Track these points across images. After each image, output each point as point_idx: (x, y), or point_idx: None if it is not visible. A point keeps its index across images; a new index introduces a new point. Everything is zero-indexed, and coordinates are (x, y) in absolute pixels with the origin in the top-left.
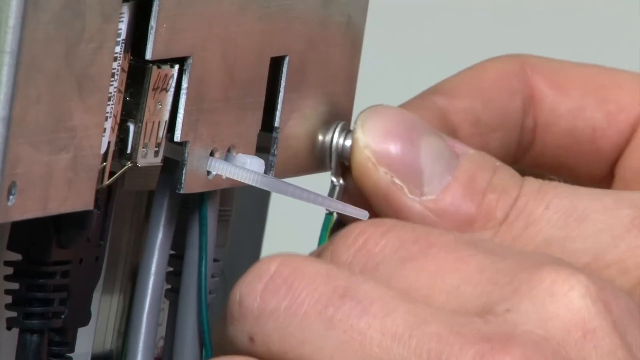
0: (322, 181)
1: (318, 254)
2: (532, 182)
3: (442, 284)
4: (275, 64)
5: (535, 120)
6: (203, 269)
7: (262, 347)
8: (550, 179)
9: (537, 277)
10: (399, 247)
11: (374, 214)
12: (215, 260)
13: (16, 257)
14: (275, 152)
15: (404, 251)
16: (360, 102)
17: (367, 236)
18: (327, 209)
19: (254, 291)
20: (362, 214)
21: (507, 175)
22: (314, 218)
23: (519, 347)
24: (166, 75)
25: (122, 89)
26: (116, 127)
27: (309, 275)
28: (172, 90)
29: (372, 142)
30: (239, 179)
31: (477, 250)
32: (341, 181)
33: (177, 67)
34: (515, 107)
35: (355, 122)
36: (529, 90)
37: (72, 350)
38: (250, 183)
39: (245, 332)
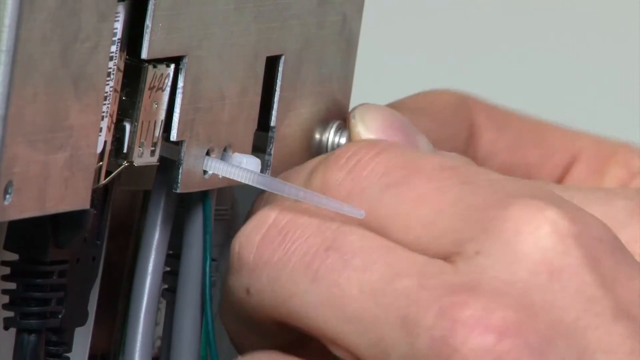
0: None
1: (311, 170)
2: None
3: (419, 214)
4: (271, 63)
5: (475, 153)
6: (208, 269)
7: (256, 299)
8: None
9: (505, 214)
10: (385, 172)
11: None
12: (212, 259)
13: (13, 256)
14: (272, 152)
15: (388, 177)
16: (356, 101)
17: (358, 158)
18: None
19: (252, 243)
20: (358, 213)
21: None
22: None
23: (480, 298)
24: (162, 74)
25: (118, 88)
26: (112, 126)
27: (302, 226)
28: (168, 89)
29: (374, 135)
30: (235, 178)
31: (457, 179)
32: None
33: (172, 66)
34: (462, 137)
35: (352, 117)
36: (472, 124)
37: (69, 350)
38: (246, 182)
39: (243, 283)
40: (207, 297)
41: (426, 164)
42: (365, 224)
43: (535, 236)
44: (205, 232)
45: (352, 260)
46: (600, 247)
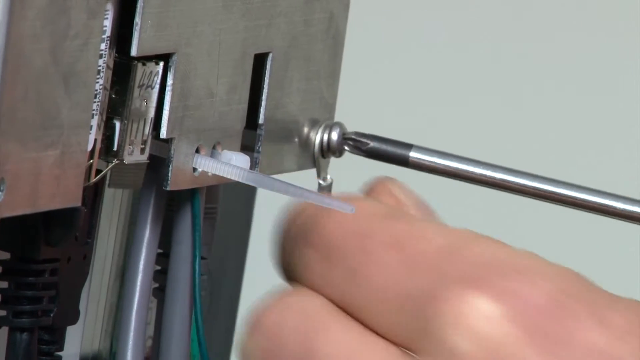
0: (308, 177)
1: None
2: None
3: (376, 304)
4: (259, 61)
5: None
6: (197, 267)
7: None
8: None
9: (439, 312)
10: (350, 253)
11: None
12: (201, 258)
13: (4, 255)
14: (260, 149)
15: (353, 259)
16: (343, 99)
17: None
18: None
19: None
20: (348, 208)
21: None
22: None
23: None
24: (151, 72)
25: (108, 86)
26: (102, 124)
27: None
28: (157, 87)
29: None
30: (225, 175)
31: (403, 256)
32: (329, 177)
33: (162, 64)
34: None
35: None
36: None
37: (61, 348)
38: (236, 179)
39: None
40: (197, 295)
41: (376, 240)
42: (342, 307)
43: (469, 331)
44: (194, 230)
45: None
46: (535, 312)
